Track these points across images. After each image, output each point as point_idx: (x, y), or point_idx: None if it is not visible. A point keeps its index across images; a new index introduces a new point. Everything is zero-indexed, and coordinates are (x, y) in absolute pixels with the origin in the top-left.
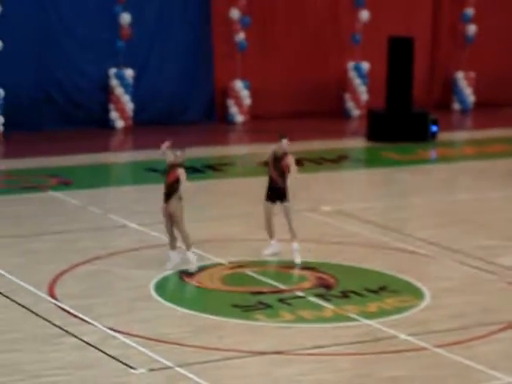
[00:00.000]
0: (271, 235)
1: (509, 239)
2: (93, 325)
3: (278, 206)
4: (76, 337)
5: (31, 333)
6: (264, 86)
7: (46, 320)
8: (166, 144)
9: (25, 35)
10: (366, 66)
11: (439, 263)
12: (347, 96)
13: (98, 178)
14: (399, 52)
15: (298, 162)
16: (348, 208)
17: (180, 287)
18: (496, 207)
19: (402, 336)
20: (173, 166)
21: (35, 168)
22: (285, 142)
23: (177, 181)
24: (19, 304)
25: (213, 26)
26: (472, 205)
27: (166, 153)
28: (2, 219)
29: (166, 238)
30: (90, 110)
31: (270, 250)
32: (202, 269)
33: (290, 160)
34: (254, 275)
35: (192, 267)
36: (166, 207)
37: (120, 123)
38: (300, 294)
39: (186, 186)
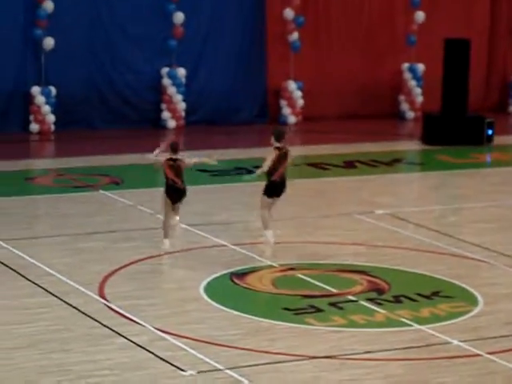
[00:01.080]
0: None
1: None
2: (142, 325)
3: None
4: (125, 337)
5: (80, 333)
6: (317, 87)
7: (95, 320)
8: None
9: (77, 33)
10: (421, 67)
11: (493, 269)
12: (402, 98)
13: (149, 177)
14: (455, 54)
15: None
16: (401, 211)
17: (230, 289)
18: None
19: (455, 342)
20: None
21: (86, 167)
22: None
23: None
24: (69, 304)
25: (267, 26)
26: None
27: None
28: (52, 218)
29: (213, 239)
30: (141, 110)
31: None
32: (252, 271)
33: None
34: (305, 278)
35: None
36: None
37: (172, 123)
38: (352, 298)
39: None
